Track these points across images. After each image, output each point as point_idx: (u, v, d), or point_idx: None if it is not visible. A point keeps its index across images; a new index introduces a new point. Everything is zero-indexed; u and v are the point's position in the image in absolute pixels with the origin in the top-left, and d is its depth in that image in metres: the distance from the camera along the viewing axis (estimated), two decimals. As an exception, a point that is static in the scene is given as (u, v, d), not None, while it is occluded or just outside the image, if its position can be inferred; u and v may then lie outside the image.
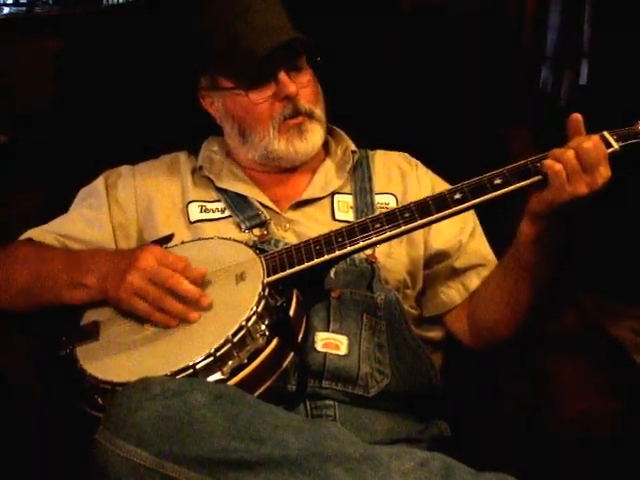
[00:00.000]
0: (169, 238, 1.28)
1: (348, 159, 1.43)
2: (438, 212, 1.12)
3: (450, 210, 1.12)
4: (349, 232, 1.15)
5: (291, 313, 1.10)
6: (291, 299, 1.12)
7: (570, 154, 1.07)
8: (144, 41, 1.63)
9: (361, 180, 1.42)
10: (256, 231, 1.32)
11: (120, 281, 1.12)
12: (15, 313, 1.26)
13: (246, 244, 1.23)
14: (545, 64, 2.62)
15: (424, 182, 1.44)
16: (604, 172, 1.07)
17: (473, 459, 0.98)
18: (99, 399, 1.06)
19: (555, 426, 1.18)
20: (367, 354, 1.21)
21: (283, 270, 1.14)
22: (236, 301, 1.10)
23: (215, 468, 0.89)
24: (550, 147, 1.11)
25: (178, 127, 1.55)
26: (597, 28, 2.50)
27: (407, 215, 1.13)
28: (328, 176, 1.42)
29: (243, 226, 1.33)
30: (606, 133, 1.10)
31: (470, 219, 1.39)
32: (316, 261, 1.14)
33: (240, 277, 1.14)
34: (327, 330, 1.21)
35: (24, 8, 2.62)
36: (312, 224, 1.34)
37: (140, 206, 1.38)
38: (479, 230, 1.40)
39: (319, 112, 1.36)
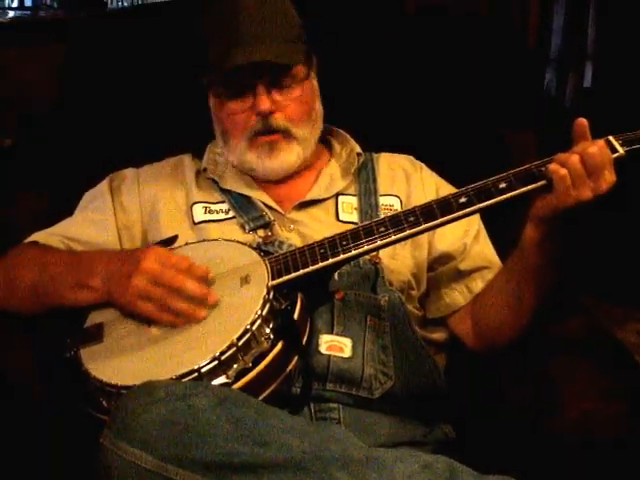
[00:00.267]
0: (173, 239, 1.28)
1: (353, 161, 1.43)
2: (443, 216, 1.12)
3: (455, 214, 1.12)
4: (354, 235, 1.15)
5: (295, 316, 1.10)
6: (295, 302, 1.12)
7: (575, 159, 1.07)
8: (148, 44, 1.63)
9: (365, 181, 1.41)
10: (260, 232, 1.32)
11: (125, 285, 1.12)
12: (22, 315, 1.26)
13: (250, 246, 1.23)
14: (549, 66, 2.61)
15: (428, 184, 1.44)
16: (609, 177, 1.07)
17: (477, 462, 0.98)
18: (103, 402, 1.06)
19: (558, 428, 1.18)
20: (371, 356, 1.21)
21: (288, 273, 1.13)
22: (241, 304, 1.10)
23: (219, 471, 0.89)
24: (554, 149, 1.11)
25: (182, 130, 1.55)
26: (601, 30, 2.50)
27: (412, 219, 1.13)
28: (333, 177, 1.42)
29: (247, 227, 1.33)
30: (611, 138, 1.10)
31: (475, 222, 1.38)
32: (321, 265, 1.14)
33: (245, 280, 1.14)
34: (331, 332, 1.21)
35: (29, 12, 2.62)
36: (316, 225, 1.34)
37: (145, 208, 1.39)
38: (483, 233, 1.40)
39: (300, 131, 1.34)
